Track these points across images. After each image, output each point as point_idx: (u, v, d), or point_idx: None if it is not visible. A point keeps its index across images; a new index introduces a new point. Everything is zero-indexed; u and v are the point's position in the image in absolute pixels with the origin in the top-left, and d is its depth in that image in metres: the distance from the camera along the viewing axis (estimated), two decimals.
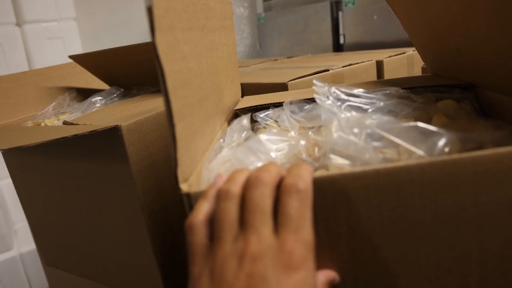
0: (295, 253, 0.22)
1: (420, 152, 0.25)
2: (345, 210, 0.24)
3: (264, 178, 0.23)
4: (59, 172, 0.55)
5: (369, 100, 0.33)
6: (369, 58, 0.81)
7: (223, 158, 0.31)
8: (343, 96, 0.33)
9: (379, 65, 0.80)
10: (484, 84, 0.40)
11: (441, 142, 0.26)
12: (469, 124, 0.32)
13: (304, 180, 0.23)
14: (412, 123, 0.27)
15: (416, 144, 0.26)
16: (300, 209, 0.23)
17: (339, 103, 0.32)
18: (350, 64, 0.74)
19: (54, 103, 0.70)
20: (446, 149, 0.26)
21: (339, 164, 0.27)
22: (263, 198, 0.23)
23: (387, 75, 0.81)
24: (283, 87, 0.61)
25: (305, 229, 0.23)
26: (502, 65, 0.34)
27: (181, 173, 0.24)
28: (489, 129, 0.30)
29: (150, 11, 0.22)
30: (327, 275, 0.25)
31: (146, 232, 0.50)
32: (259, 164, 0.28)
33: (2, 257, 1.15)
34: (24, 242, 1.20)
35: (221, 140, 0.37)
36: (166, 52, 0.24)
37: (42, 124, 0.63)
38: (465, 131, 0.30)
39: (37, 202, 0.62)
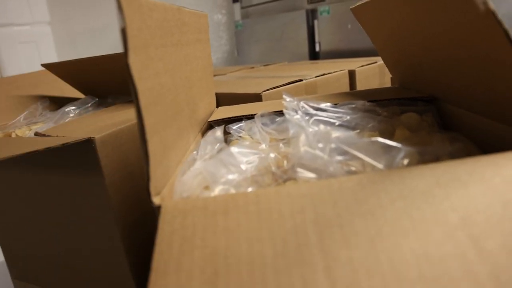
0: None
1: (379, 165, 0.27)
2: None
3: None
4: (30, 184, 0.55)
5: (336, 114, 0.35)
6: (342, 67, 0.83)
7: (195, 170, 0.32)
8: (311, 111, 0.35)
9: (352, 74, 0.82)
10: (444, 98, 0.42)
11: (400, 155, 0.27)
12: (428, 137, 0.34)
13: None
14: (373, 138, 0.28)
15: (376, 158, 0.27)
16: None
17: (307, 118, 0.34)
18: (323, 74, 0.76)
19: (25, 113, 0.69)
20: (405, 162, 0.28)
21: (306, 177, 0.28)
22: None
23: (359, 84, 0.83)
24: (257, 97, 0.62)
25: None
26: (458, 80, 0.36)
27: (153, 187, 0.25)
28: (445, 141, 0.32)
29: (123, 32, 0.23)
30: None
31: (120, 244, 0.50)
32: (230, 177, 0.29)
33: None
34: None
35: (195, 152, 0.37)
36: (139, 70, 0.25)
37: (13, 135, 0.62)
38: (424, 143, 0.32)
39: (7, 215, 0.61)
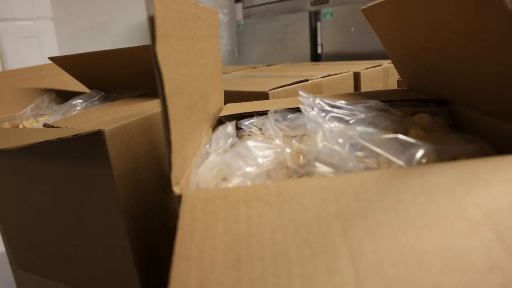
0: None
1: (400, 162, 0.27)
2: None
3: None
4: (37, 175, 0.55)
5: (350, 112, 0.35)
6: (347, 69, 0.84)
7: (211, 163, 0.32)
8: (327, 107, 0.35)
9: (357, 76, 0.82)
10: (457, 100, 0.42)
11: (419, 153, 0.28)
12: (443, 138, 0.34)
13: None
14: (392, 135, 0.28)
15: (396, 154, 0.27)
16: None
17: (323, 114, 0.34)
18: (329, 75, 0.76)
19: (32, 105, 0.69)
20: (424, 160, 0.28)
21: (324, 172, 0.28)
22: None
23: (364, 86, 0.83)
24: (264, 95, 0.63)
25: None
26: (472, 83, 0.37)
27: (174, 176, 0.25)
28: (462, 142, 0.32)
29: (152, 20, 0.23)
30: None
31: (126, 236, 0.50)
32: (247, 169, 0.29)
33: None
34: None
35: (207, 146, 0.38)
36: (164, 60, 0.25)
37: (20, 126, 0.62)
38: (440, 143, 0.32)
39: (12, 204, 0.61)
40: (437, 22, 0.38)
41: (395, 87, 0.85)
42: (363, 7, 0.54)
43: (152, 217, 0.53)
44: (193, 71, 0.35)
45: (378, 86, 0.88)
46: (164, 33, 0.26)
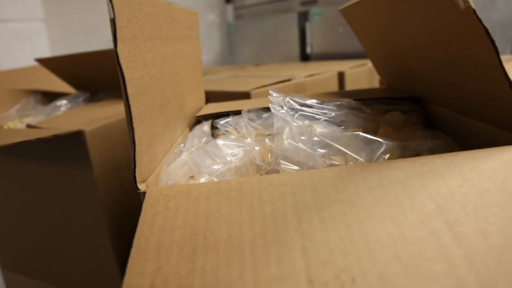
0: None
1: (361, 159, 0.28)
2: None
3: None
4: (20, 175, 0.55)
5: (321, 111, 0.36)
6: (332, 68, 0.84)
7: (181, 161, 0.32)
8: (296, 106, 0.36)
9: (341, 76, 0.83)
10: (429, 98, 0.43)
11: (380, 150, 0.28)
12: (411, 134, 0.35)
13: None
14: (355, 133, 0.29)
15: (358, 152, 0.28)
16: None
17: (292, 112, 0.35)
18: (313, 75, 0.77)
19: (18, 106, 0.70)
20: (385, 156, 0.29)
21: (289, 169, 0.29)
22: None
23: (348, 86, 0.84)
24: (246, 95, 0.63)
25: None
26: (442, 80, 0.37)
27: (139, 173, 0.26)
28: (426, 139, 0.33)
29: (113, 22, 0.24)
30: None
31: (107, 235, 0.51)
32: (214, 167, 0.30)
33: None
34: None
35: (182, 145, 0.38)
36: (128, 60, 0.26)
37: (5, 127, 0.62)
38: (406, 140, 0.33)
39: None
40: (406, 22, 0.38)
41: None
42: (341, 7, 0.55)
43: (133, 217, 0.54)
44: (165, 71, 0.35)
45: (363, 86, 0.89)
46: (129, 34, 0.27)
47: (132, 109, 0.25)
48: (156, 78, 0.32)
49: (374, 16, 0.47)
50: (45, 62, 0.77)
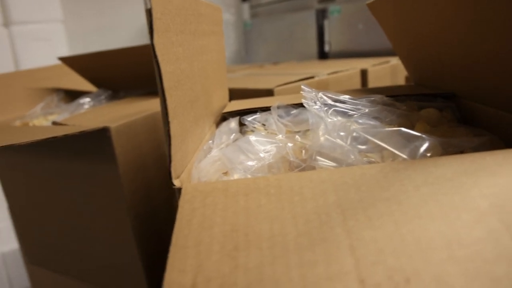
0: None
1: (403, 155, 0.27)
2: None
3: None
4: (46, 172, 0.55)
5: (354, 106, 0.35)
6: (354, 66, 0.83)
7: (212, 158, 0.32)
8: (329, 102, 0.35)
9: (364, 73, 0.82)
10: (465, 94, 0.41)
11: (424, 146, 0.27)
12: (450, 131, 0.33)
13: None
14: (395, 128, 0.28)
15: (400, 148, 0.27)
16: None
17: (325, 108, 0.34)
18: (335, 72, 0.75)
19: (42, 104, 0.71)
20: (428, 154, 0.28)
21: (325, 165, 0.28)
22: None
23: (371, 84, 0.83)
24: (269, 92, 0.62)
25: None
26: (481, 76, 0.36)
27: (174, 169, 0.25)
28: (469, 135, 0.32)
29: (149, 13, 0.23)
30: None
31: (131, 233, 0.50)
32: (249, 163, 0.29)
33: None
34: (5, 241, 1.18)
35: (210, 141, 0.37)
36: (162, 53, 0.25)
37: (30, 124, 0.63)
38: (446, 137, 0.31)
39: (23, 201, 0.62)
40: (443, 15, 0.37)
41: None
42: (368, 2, 0.54)
43: (158, 214, 0.53)
44: (194, 66, 0.35)
45: (386, 83, 0.87)
46: (163, 27, 0.26)
47: (168, 103, 0.24)
48: (187, 73, 0.32)
49: (403, 9, 0.45)
50: (67, 61, 0.78)
